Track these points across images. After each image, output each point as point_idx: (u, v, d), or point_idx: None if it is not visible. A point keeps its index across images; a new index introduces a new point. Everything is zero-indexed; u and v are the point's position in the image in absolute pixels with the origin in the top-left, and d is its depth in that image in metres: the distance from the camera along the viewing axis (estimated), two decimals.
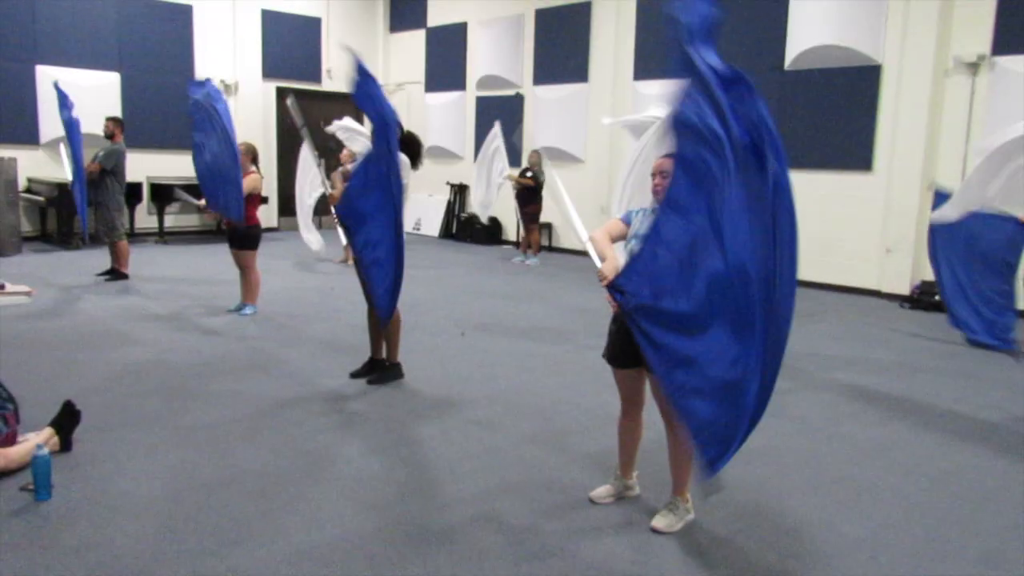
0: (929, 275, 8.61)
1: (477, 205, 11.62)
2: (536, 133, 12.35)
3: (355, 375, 5.38)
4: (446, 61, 14.14)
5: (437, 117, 14.29)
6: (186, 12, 12.64)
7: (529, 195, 10.93)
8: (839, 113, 9.26)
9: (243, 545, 3.12)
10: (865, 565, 3.13)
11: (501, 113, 12.22)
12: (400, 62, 15.06)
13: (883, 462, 4.21)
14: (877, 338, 7.21)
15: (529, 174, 10.95)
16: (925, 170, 8.69)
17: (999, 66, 8.13)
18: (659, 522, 3.33)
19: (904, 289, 8.87)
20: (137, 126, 11.31)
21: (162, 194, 12.01)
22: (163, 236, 12.02)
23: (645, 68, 11.08)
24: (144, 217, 12.28)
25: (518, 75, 12.89)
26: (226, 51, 13.18)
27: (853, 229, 9.32)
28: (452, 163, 14.17)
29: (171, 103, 12.37)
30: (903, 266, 8.95)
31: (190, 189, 12.23)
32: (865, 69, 9.03)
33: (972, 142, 8.35)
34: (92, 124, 9.11)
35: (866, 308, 8.59)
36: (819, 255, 9.54)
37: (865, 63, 9.01)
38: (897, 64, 8.81)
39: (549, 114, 12.39)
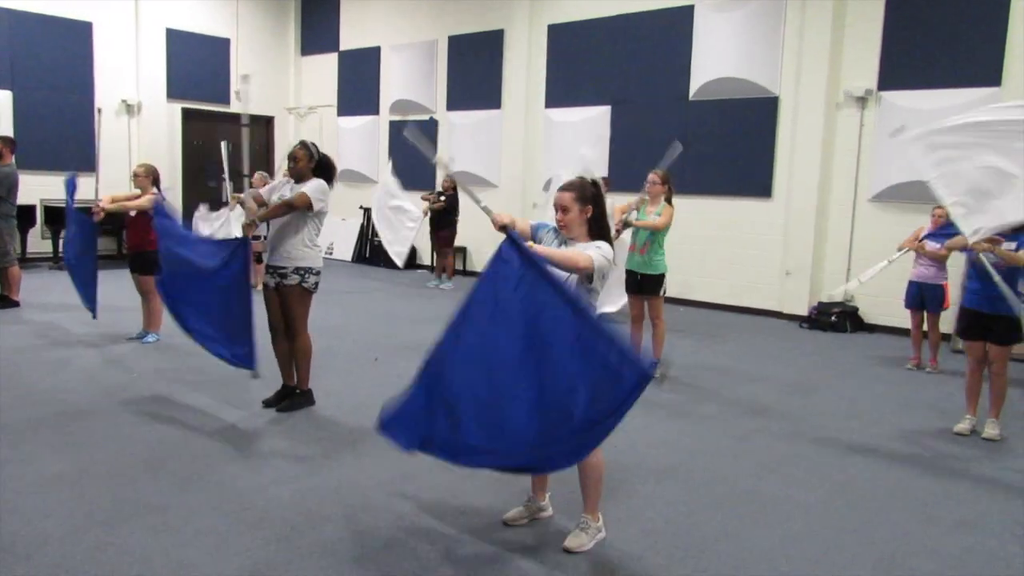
0: (824, 297, 9.12)
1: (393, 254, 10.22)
2: (450, 158, 12.41)
3: (267, 403, 5.25)
4: (359, 85, 14.08)
5: (350, 141, 14.19)
6: (85, 29, 12.20)
7: (443, 220, 10.95)
8: (740, 142, 9.68)
9: None
10: (770, 575, 3.25)
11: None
12: (312, 85, 14.92)
13: (785, 476, 4.39)
14: (778, 357, 7.51)
15: (443, 198, 10.98)
16: (820, 196, 9.16)
17: (884, 100, 8.69)
18: (571, 542, 3.37)
19: (802, 310, 9.28)
20: (31, 146, 10.79)
21: (57, 217, 11.47)
22: (58, 261, 11.45)
23: (556, 96, 11.32)
24: (37, 242, 11.69)
25: (431, 100, 12.95)
26: (128, 70, 12.76)
27: (754, 253, 9.72)
28: (365, 187, 14.05)
29: (68, 122, 11.91)
30: (801, 288, 9.37)
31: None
32: (763, 100, 9.49)
33: (861, 170, 8.89)
34: None
35: (767, 328, 8.95)
36: (723, 277, 9.92)
37: (763, 95, 9.48)
38: (793, 96, 9.30)
39: (463, 139, 12.47)
